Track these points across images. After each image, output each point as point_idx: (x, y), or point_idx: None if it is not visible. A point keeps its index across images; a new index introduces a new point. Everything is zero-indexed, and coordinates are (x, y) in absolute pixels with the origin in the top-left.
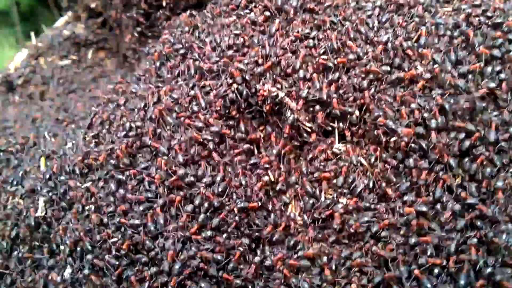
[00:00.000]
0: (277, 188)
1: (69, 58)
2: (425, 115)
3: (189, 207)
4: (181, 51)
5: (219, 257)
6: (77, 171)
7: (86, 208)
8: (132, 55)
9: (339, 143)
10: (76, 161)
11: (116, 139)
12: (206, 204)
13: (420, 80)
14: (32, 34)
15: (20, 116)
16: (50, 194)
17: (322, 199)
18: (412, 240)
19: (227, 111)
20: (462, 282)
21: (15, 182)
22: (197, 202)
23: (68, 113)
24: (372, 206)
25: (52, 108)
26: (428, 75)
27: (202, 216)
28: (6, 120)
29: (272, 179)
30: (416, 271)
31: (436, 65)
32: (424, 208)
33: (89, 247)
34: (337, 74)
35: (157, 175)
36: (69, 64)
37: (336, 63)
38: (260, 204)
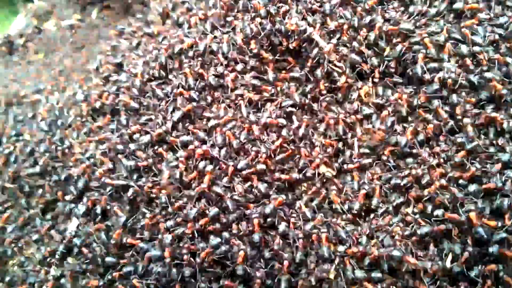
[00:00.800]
0: (301, 133)
1: (72, 18)
2: (475, 48)
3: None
4: None
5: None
6: (84, 115)
7: (96, 153)
8: (140, 10)
9: (373, 84)
10: (83, 104)
11: (128, 77)
12: (224, 150)
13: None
14: None
15: (22, 73)
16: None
17: (356, 149)
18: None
19: (249, 49)
20: None
21: (13, 132)
22: (218, 141)
23: (72, 69)
24: (414, 151)
25: (55, 65)
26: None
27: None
28: (8, 77)
29: (297, 125)
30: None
31: None
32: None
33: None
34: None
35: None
36: (72, 24)
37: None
38: (294, 150)
